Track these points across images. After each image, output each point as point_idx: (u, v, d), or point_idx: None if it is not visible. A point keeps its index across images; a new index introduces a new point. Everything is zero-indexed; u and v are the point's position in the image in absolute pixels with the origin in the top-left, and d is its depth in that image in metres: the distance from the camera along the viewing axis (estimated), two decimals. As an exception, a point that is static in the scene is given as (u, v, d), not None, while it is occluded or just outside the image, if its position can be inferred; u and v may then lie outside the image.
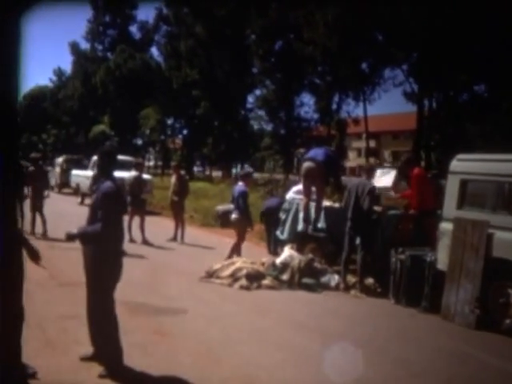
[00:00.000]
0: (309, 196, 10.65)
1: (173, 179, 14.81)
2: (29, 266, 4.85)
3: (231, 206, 11.22)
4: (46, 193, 13.42)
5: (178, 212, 14.21)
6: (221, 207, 12.24)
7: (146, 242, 13.24)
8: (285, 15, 36.44)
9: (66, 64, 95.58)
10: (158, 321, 6.99)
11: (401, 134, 61.50)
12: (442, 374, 5.71)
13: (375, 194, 9.45)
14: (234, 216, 10.79)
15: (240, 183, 11.08)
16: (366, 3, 29.99)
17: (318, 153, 10.95)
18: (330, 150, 13.02)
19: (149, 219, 14.71)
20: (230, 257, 10.51)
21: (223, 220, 11.72)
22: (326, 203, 10.81)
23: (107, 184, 5.21)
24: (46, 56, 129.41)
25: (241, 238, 10.91)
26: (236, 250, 10.75)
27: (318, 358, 5.88)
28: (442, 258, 7.99)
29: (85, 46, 67.22)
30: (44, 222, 13.03)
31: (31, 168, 13.32)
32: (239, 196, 10.69)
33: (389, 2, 29.28)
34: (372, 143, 56.11)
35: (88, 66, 63.70)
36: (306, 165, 10.73)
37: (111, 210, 5.11)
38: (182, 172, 15.34)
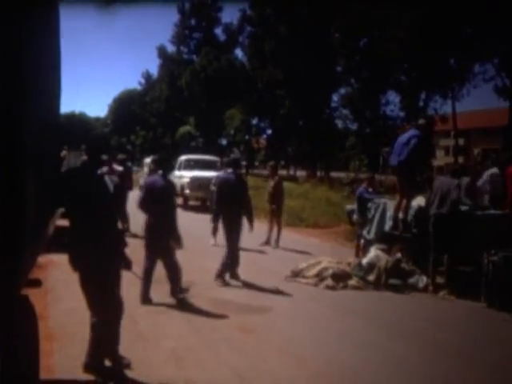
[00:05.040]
0: (401, 194, 10.38)
1: (271, 183, 13.74)
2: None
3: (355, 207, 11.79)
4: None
5: (275, 217, 13.42)
6: (349, 206, 12.55)
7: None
8: (368, 13, 35.79)
9: (154, 67, 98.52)
10: (244, 318, 7.08)
11: (491, 131, 59.04)
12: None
13: (460, 192, 9.18)
14: (355, 216, 11.54)
15: (363, 185, 11.82)
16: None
17: (398, 150, 10.29)
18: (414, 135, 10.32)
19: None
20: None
21: (350, 219, 12.28)
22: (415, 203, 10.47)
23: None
24: (136, 60, 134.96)
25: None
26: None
27: (404, 360, 5.78)
28: (537, 259, 7.64)
29: (171, 49, 69.13)
30: (127, 219, 13.40)
31: (120, 168, 13.90)
32: (358, 198, 11.46)
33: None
34: (461, 141, 54.24)
35: (174, 68, 65.32)
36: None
37: None
38: (278, 174, 14.49)
